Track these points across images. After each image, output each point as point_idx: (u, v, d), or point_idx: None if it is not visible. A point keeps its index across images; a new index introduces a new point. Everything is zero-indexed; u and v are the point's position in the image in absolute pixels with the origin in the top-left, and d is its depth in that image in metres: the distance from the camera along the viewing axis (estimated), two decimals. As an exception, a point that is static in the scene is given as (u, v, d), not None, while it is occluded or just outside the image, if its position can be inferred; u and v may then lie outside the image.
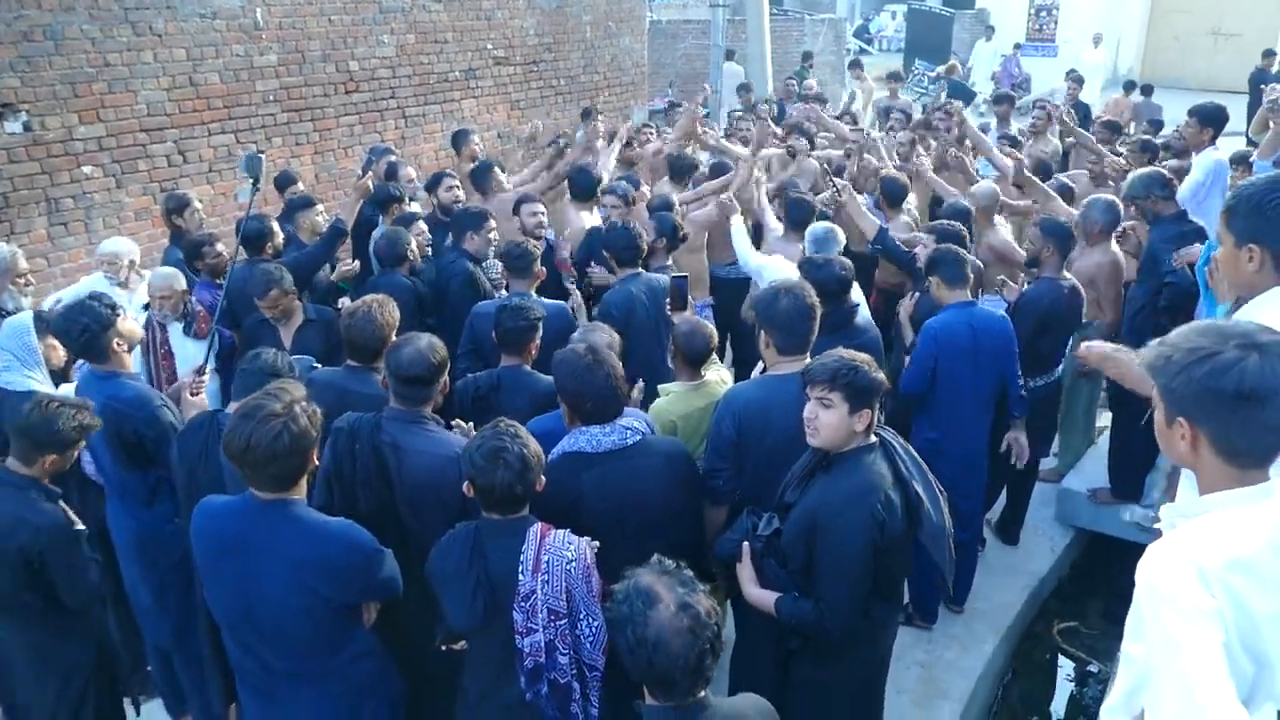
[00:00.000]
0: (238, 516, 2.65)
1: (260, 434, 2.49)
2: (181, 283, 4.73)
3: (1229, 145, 6.95)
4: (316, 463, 2.71)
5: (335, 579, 2.63)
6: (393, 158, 6.98)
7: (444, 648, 2.90)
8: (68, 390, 4.00)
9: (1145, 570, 1.72)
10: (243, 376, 3.33)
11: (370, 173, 6.06)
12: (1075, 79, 12.18)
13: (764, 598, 2.90)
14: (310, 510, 2.69)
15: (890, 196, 6.33)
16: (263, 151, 5.48)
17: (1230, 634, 1.62)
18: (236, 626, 2.72)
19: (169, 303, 4.63)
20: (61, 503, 3.25)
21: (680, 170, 6.93)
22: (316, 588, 2.60)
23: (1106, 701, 1.95)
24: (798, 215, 5.55)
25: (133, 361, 3.82)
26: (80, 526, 3.28)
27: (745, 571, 2.96)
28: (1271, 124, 6.52)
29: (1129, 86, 14.27)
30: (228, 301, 4.83)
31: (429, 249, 5.53)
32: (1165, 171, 5.51)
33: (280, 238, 5.35)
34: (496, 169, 6.51)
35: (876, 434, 2.87)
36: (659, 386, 3.94)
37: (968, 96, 10.86)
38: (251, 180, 4.59)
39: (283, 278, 4.45)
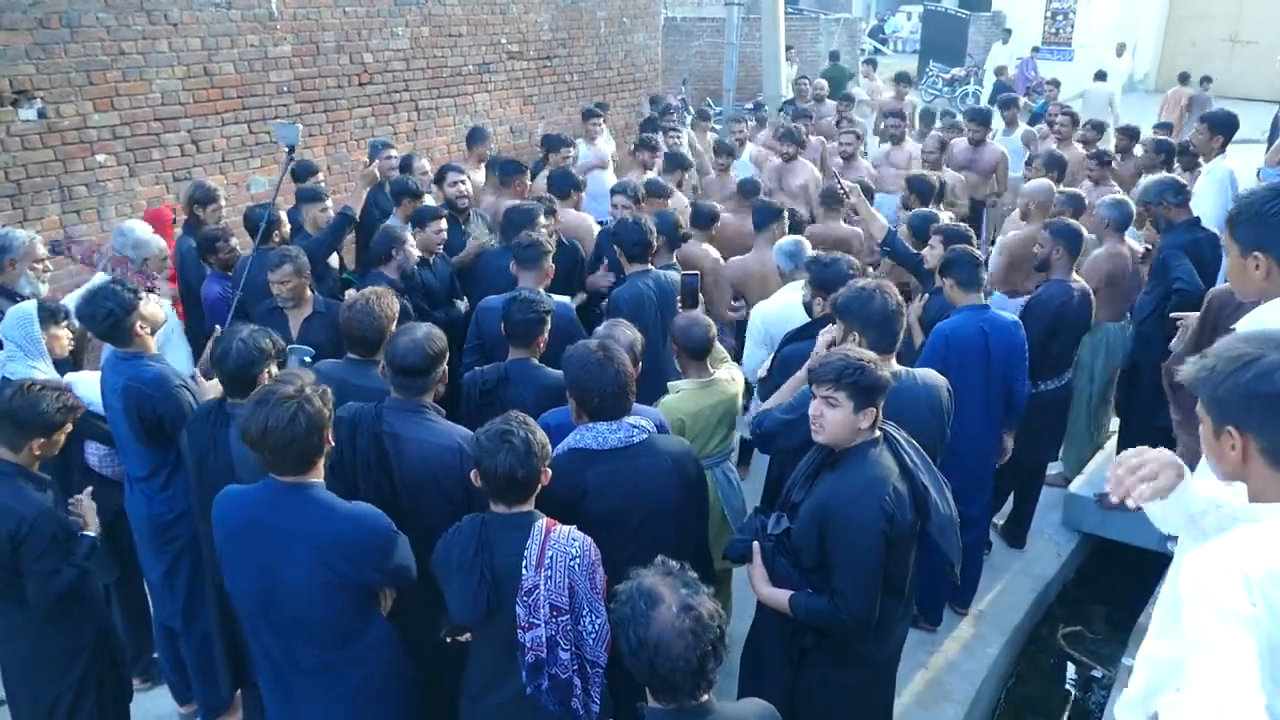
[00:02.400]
0: (258, 502, 2.69)
1: (276, 417, 2.54)
2: (165, 247, 5.15)
3: (1242, 153, 6.91)
4: (331, 443, 2.74)
5: (353, 558, 2.65)
6: (391, 153, 6.94)
7: (449, 640, 2.91)
8: (77, 379, 4.02)
9: (1190, 569, 1.71)
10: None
11: (377, 162, 6.04)
12: (1053, 82, 12.27)
13: (777, 596, 2.90)
14: (328, 493, 2.71)
15: (920, 195, 6.34)
16: (295, 121, 5.55)
17: (1263, 644, 1.61)
18: (257, 614, 2.74)
19: (163, 264, 5.09)
20: (50, 491, 3.25)
21: (673, 164, 7.17)
22: (336, 568, 2.63)
23: (1123, 697, 1.95)
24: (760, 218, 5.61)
25: (155, 344, 3.84)
26: (91, 533, 3.29)
27: (757, 571, 2.97)
28: None
29: (1184, 78, 14.39)
30: (240, 293, 4.85)
31: (440, 247, 5.50)
32: (1178, 178, 5.51)
33: (288, 227, 5.37)
34: (527, 170, 6.50)
35: (880, 428, 2.88)
36: (669, 384, 3.94)
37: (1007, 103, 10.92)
38: (288, 148, 4.68)
39: (298, 256, 4.47)
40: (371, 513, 2.74)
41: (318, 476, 2.71)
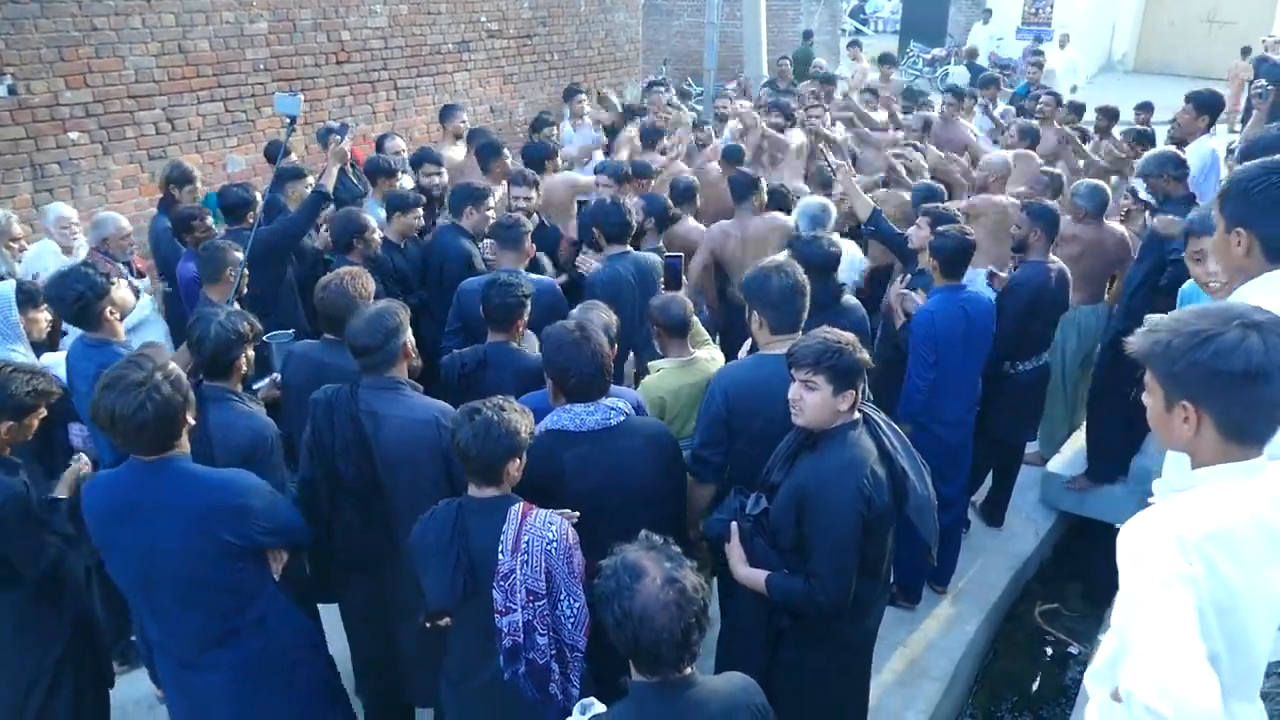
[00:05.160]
0: (126, 484, 2.68)
1: (123, 404, 2.52)
2: (128, 225, 5.27)
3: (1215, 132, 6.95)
4: (192, 422, 2.72)
5: (230, 523, 2.66)
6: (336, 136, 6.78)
7: (428, 625, 2.91)
8: (53, 360, 3.98)
9: (1126, 537, 1.76)
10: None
11: (347, 138, 5.96)
12: (1035, 63, 12.19)
13: (754, 577, 2.91)
14: (196, 464, 2.73)
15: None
16: (297, 92, 5.51)
17: (1204, 601, 1.66)
18: (143, 596, 2.74)
19: (124, 243, 5.17)
20: (23, 473, 3.20)
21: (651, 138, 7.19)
22: (216, 535, 2.64)
23: (1092, 666, 1.99)
24: (740, 189, 5.63)
25: (123, 329, 3.80)
26: (62, 496, 3.25)
27: (735, 552, 2.97)
28: (1256, 110, 6.57)
29: (1246, 52, 14.56)
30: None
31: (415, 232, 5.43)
32: (1180, 153, 5.53)
33: (259, 207, 5.31)
34: (505, 151, 6.48)
35: (860, 410, 2.88)
36: (649, 364, 3.94)
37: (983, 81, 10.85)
38: (288, 119, 4.76)
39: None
40: (242, 475, 2.76)
41: (182, 450, 2.71)
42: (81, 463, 3.41)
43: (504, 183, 5.70)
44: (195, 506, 2.63)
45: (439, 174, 6.02)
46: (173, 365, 2.69)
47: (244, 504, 2.69)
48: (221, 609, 2.74)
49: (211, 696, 2.81)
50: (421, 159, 6.11)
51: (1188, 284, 3.77)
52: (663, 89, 10.50)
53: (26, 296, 4.02)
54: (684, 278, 4.73)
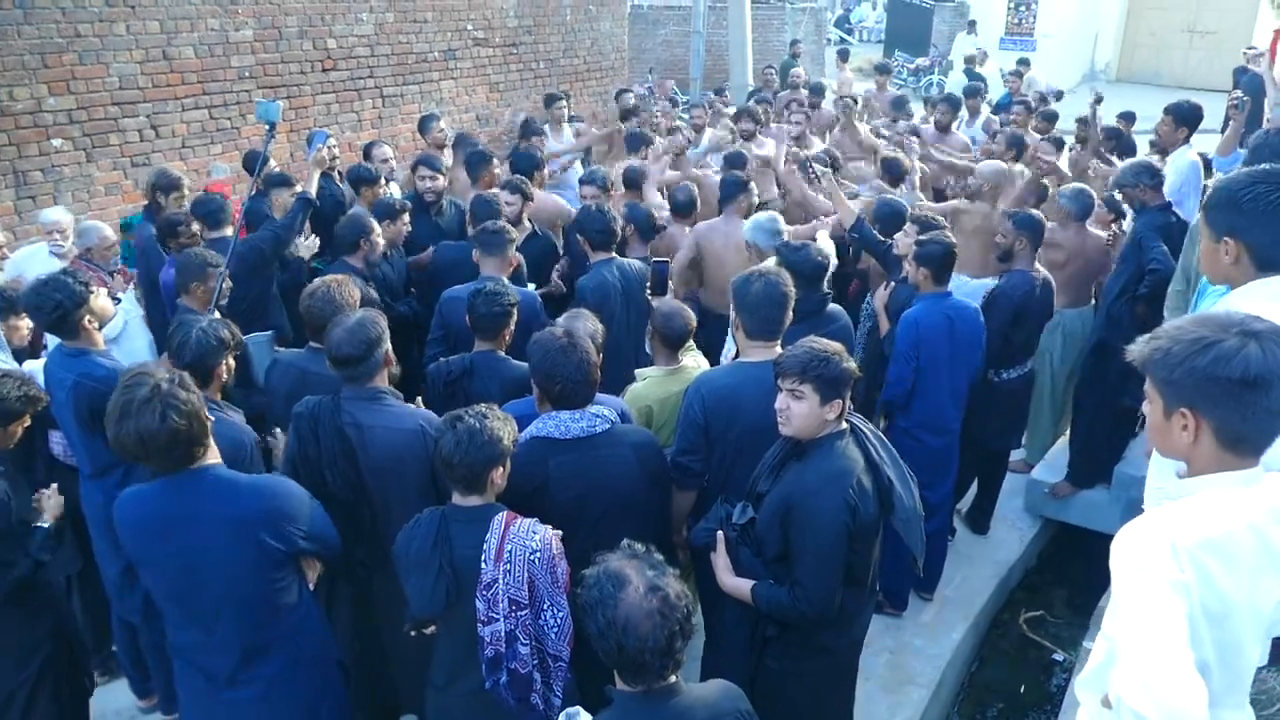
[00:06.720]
0: (164, 495, 2.63)
1: (146, 423, 2.46)
2: (112, 234, 5.34)
3: (1196, 142, 7.01)
4: (210, 419, 2.69)
5: (273, 527, 2.64)
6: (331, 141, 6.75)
7: (413, 633, 2.89)
8: (33, 368, 3.95)
9: (1120, 543, 1.76)
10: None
11: (325, 145, 5.94)
12: (1016, 73, 12.26)
13: (740, 586, 2.91)
14: (230, 470, 2.69)
15: (891, 174, 6.46)
16: (279, 99, 5.51)
17: (1195, 609, 1.66)
18: (180, 608, 2.71)
19: (109, 252, 5.25)
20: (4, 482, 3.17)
21: (634, 144, 7.20)
22: (260, 540, 2.61)
23: (1081, 674, 1.99)
24: (729, 190, 5.64)
25: (102, 338, 3.76)
26: (45, 525, 3.21)
27: (721, 560, 2.97)
28: (1232, 122, 6.64)
29: None
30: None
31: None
32: (1155, 162, 5.59)
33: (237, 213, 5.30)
34: (494, 160, 6.47)
35: (847, 420, 2.88)
36: (636, 371, 3.94)
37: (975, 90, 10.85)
38: (268, 125, 4.75)
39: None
40: (280, 480, 2.76)
41: (214, 458, 2.67)
42: (54, 489, 3.32)
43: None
44: (237, 514, 2.60)
45: (434, 178, 5.93)
46: (165, 370, 2.65)
47: (284, 508, 2.67)
48: (258, 620, 2.70)
49: (238, 713, 2.77)
50: (420, 163, 6.03)
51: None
52: (654, 99, 10.55)
53: (6, 304, 3.99)
54: (670, 282, 4.73)
